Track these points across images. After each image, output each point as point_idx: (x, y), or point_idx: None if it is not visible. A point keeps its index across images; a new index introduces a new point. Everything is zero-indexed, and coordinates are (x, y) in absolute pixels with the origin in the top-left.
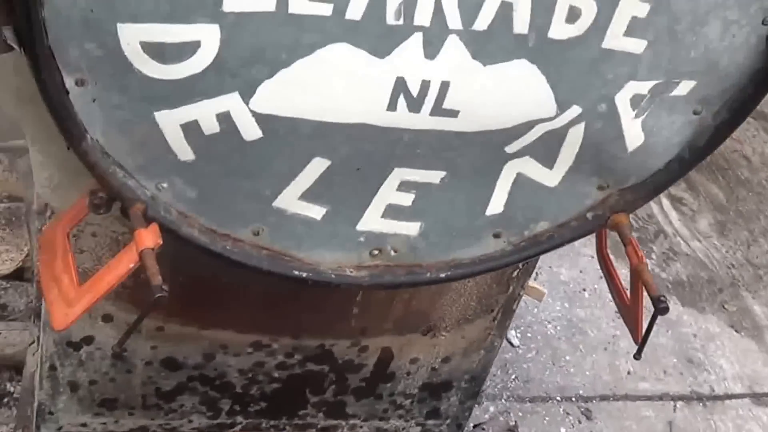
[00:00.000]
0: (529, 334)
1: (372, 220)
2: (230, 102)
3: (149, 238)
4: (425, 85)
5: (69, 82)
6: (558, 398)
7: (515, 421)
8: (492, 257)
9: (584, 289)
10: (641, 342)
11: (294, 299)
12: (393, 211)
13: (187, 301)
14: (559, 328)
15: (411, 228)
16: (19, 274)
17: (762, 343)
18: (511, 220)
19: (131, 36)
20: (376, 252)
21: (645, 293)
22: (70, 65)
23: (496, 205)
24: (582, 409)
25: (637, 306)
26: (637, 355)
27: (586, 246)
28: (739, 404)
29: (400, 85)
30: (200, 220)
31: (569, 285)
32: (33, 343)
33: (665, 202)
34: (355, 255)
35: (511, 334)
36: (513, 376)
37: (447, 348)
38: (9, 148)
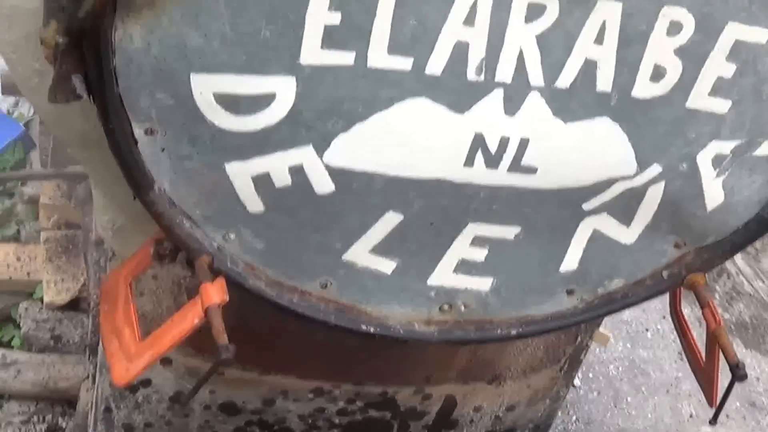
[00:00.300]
0: (590, 375)
1: (444, 275)
2: (304, 155)
3: (215, 293)
4: (504, 142)
5: (138, 132)
6: None
7: None
8: (564, 314)
9: (647, 330)
10: (717, 408)
11: (358, 347)
12: (465, 266)
13: (249, 346)
14: (621, 369)
15: (483, 283)
16: (74, 304)
17: None
18: (586, 277)
19: (204, 86)
20: (446, 307)
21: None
22: (139, 114)
23: (571, 261)
24: None
25: (712, 368)
26: (713, 421)
27: None
28: None
29: (479, 141)
30: (267, 272)
31: (631, 325)
32: (87, 378)
33: None
34: (425, 310)
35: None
36: (574, 418)
37: (512, 397)
38: (67, 175)
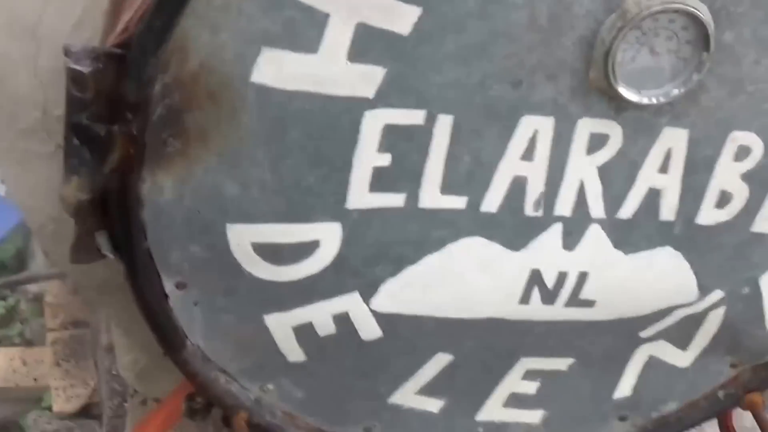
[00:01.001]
0: None
1: (493, 410)
2: (349, 303)
3: None
4: (562, 277)
5: (169, 286)
6: None
7: None
8: None
9: None
10: None
11: None
12: (515, 400)
13: None
14: None
15: (533, 416)
16: (85, 411)
17: None
18: (639, 402)
19: (242, 237)
20: None
21: None
22: (170, 268)
23: (625, 389)
24: None
25: None
26: None
27: None
28: None
29: (535, 278)
30: (308, 420)
31: None
32: None
33: None
34: None
35: None
36: None
37: None
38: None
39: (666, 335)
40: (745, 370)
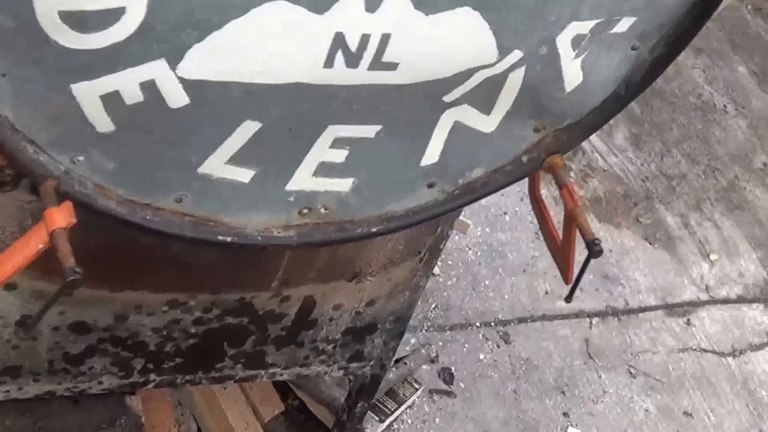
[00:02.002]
0: (449, 262)
1: (303, 180)
2: (156, 69)
3: (61, 217)
4: (365, 39)
5: None
6: (477, 324)
7: (436, 351)
8: (425, 208)
9: (505, 213)
10: (573, 285)
11: (213, 256)
12: (325, 169)
13: (98, 264)
14: (479, 253)
15: (343, 184)
16: None
17: (674, 254)
18: (446, 169)
19: (49, 5)
20: (305, 211)
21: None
22: None
23: (432, 155)
24: (500, 333)
25: (569, 248)
26: (568, 298)
27: None
28: (653, 316)
29: (339, 41)
30: (119, 192)
31: (491, 210)
32: None
33: None
34: (284, 215)
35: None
36: (433, 305)
37: (372, 292)
38: None
39: (469, 99)
40: (547, 134)
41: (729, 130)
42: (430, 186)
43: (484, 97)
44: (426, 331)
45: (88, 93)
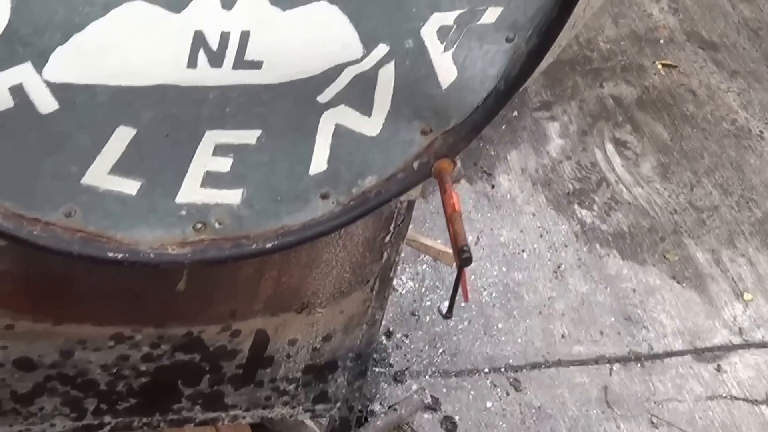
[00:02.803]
0: (462, 304)
1: (191, 191)
2: (22, 73)
3: None
4: (225, 37)
5: None
6: (486, 370)
7: (432, 398)
8: (321, 221)
9: (523, 251)
10: (450, 300)
11: (152, 284)
12: (212, 179)
13: (37, 295)
14: (494, 294)
15: (233, 196)
16: None
17: (704, 294)
18: (338, 177)
19: None
20: (199, 226)
21: None
22: None
23: (319, 162)
24: (511, 380)
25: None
26: (448, 314)
27: (529, 204)
28: (680, 362)
29: (199, 40)
30: (5, 205)
31: (508, 247)
32: None
33: (609, 147)
34: (179, 231)
35: (444, 304)
36: (440, 350)
37: (326, 325)
38: None
39: (345, 99)
40: (436, 137)
41: (765, 158)
42: (324, 197)
43: (360, 96)
44: (430, 377)
45: None
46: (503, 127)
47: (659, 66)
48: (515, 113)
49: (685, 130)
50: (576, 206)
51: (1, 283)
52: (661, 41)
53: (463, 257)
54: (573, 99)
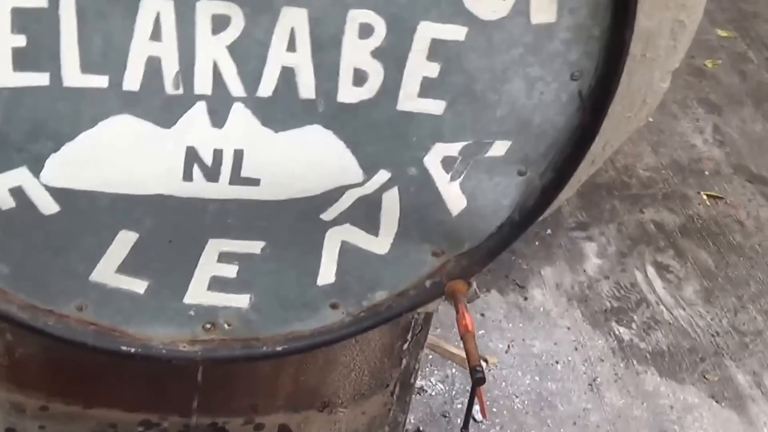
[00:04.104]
0: (494, 409)
1: (198, 293)
2: (20, 177)
3: None
4: (218, 154)
5: None
6: None
7: None
8: (330, 329)
9: (557, 362)
10: (465, 417)
11: (175, 373)
12: (219, 284)
13: (69, 379)
14: (527, 402)
15: (240, 300)
16: None
17: (744, 414)
18: (347, 290)
19: None
20: (209, 326)
21: None
22: None
23: (327, 275)
24: None
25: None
26: (464, 429)
27: (563, 317)
28: None
29: (192, 155)
30: (20, 296)
31: (541, 358)
32: None
33: (650, 270)
34: (188, 330)
35: (475, 409)
36: None
37: (348, 425)
38: None
39: (350, 218)
40: (448, 260)
41: None
42: (334, 307)
43: (365, 217)
44: None
45: None
46: (536, 243)
47: (704, 196)
48: (548, 231)
49: (731, 258)
50: (613, 323)
51: (33, 367)
52: (706, 173)
53: (476, 377)
54: (611, 222)
